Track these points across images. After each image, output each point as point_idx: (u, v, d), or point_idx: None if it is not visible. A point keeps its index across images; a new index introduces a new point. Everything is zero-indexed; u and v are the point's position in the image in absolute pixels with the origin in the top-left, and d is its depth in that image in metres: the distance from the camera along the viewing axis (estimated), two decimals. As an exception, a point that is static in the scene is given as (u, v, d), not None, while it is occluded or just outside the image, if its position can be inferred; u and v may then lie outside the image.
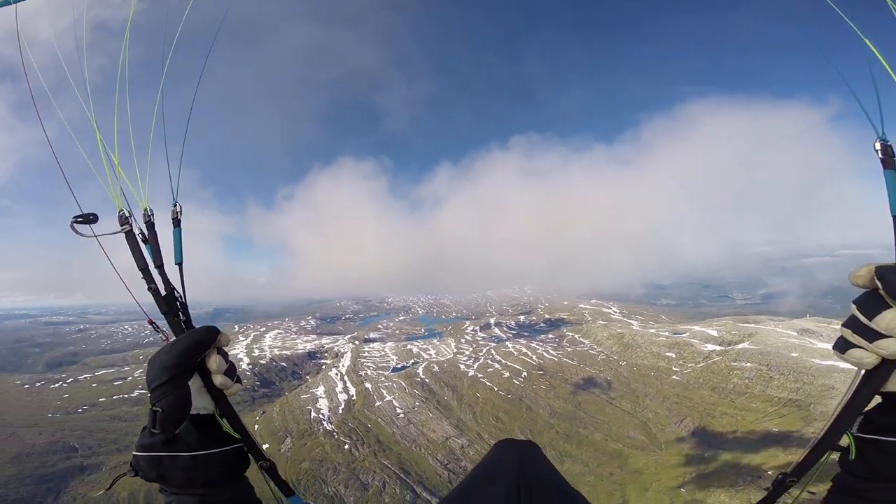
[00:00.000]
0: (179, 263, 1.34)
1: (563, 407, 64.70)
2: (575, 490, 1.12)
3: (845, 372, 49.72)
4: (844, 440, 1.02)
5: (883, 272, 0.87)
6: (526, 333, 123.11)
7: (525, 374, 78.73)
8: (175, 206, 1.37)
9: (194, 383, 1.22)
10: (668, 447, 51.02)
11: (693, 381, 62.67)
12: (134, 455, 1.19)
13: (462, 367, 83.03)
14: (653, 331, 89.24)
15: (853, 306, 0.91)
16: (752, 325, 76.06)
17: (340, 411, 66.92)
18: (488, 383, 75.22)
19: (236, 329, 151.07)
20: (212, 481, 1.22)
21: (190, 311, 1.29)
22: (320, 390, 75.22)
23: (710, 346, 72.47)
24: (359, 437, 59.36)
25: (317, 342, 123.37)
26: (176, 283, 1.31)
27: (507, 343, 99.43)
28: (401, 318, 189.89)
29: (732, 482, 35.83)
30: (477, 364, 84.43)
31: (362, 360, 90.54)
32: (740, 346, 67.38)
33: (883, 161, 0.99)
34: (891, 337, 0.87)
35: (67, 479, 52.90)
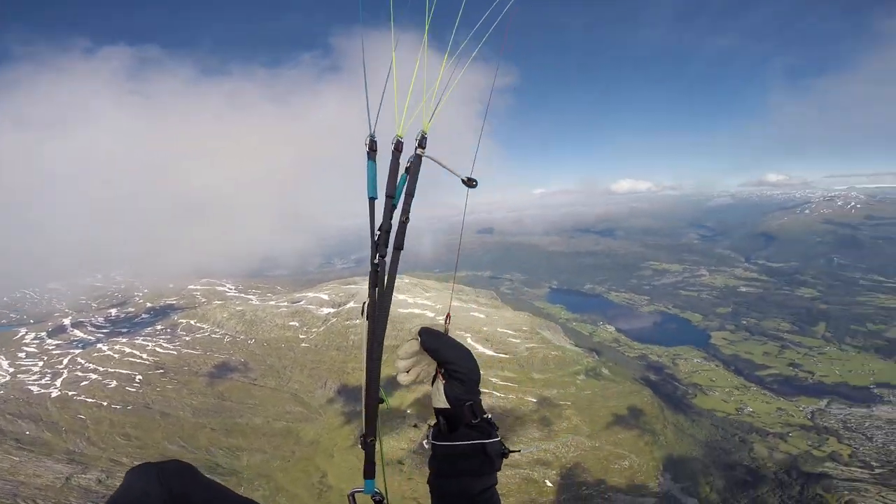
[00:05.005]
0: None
1: (204, 402, 59.95)
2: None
3: (422, 318, 73.15)
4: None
5: (420, 332, 1.35)
6: (125, 329, 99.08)
7: (139, 377, 65.84)
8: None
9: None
10: (325, 411, 57.01)
11: (321, 344, 71.38)
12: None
13: (35, 388, 60.32)
14: (273, 303, 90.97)
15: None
16: (354, 287, 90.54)
17: None
18: (89, 399, 58.32)
19: None
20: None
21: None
22: None
23: (326, 310, 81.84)
24: None
25: None
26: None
27: (100, 345, 78.19)
28: None
29: (392, 427, 44.76)
30: (60, 380, 63.14)
31: None
32: (348, 305, 79.49)
33: (368, 154, 1.31)
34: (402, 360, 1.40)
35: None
